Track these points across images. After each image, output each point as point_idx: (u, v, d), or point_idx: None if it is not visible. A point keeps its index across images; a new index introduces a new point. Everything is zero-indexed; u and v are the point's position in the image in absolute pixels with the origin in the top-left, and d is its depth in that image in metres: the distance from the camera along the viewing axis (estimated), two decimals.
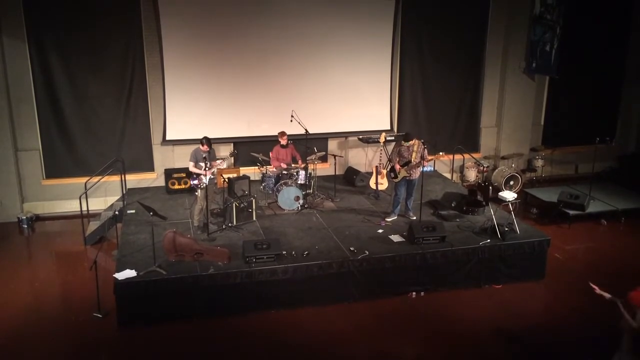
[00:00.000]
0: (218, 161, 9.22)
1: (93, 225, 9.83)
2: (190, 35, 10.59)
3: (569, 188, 11.16)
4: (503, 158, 12.55)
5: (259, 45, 10.92)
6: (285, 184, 9.68)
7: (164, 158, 11.06)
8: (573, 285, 8.37)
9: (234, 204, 8.93)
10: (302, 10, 10.99)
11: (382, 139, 11.08)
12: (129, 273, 7.27)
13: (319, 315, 7.56)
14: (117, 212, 9.88)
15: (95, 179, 9.98)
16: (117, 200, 10.47)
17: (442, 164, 12.36)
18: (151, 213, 7.83)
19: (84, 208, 9.60)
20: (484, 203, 9.59)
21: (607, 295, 5.74)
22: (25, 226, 10.42)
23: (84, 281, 8.16)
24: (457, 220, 9.27)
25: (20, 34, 9.94)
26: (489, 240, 8.37)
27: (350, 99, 11.62)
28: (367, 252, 7.96)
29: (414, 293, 8.10)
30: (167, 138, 10.93)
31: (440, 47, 11.98)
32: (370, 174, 10.81)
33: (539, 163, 12.75)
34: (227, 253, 7.73)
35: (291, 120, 9.90)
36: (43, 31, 10.05)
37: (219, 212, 9.47)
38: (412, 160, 9.05)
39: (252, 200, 9.23)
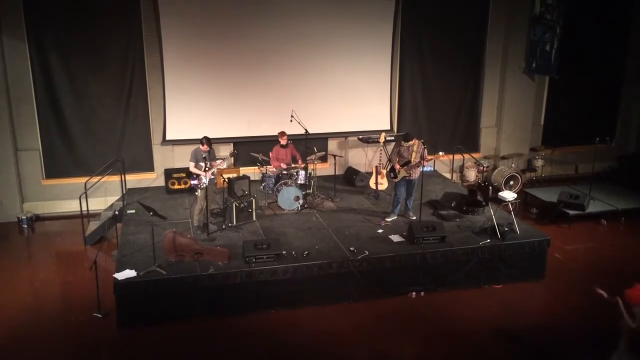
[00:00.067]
0: (218, 161, 9.21)
1: (93, 225, 9.83)
2: (190, 36, 10.59)
3: (569, 188, 11.15)
4: (503, 158, 12.56)
5: (259, 45, 10.92)
6: (285, 184, 9.68)
7: (164, 158, 11.06)
8: (573, 285, 8.38)
9: (233, 204, 8.93)
10: (302, 11, 10.99)
11: (382, 139, 11.08)
12: (129, 273, 7.27)
13: (319, 315, 7.56)
14: (117, 212, 9.88)
15: (95, 179, 9.98)
16: (117, 200, 10.47)
17: (442, 164, 12.36)
18: (151, 213, 7.83)
19: (84, 208, 9.60)
20: (483, 203, 9.59)
21: (613, 299, 5.69)
22: (25, 226, 10.42)
23: (84, 281, 8.16)
24: (457, 220, 9.28)
25: (20, 34, 9.94)
26: (488, 240, 8.37)
27: (350, 99, 11.63)
28: (367, 252, 7.96)
29: (413, 293, 8.10)
30: (167, 138, 10.93)
31: (440, 47, 11.98)
32: (370, 174, 10.81)
33: (539, 163, 12.75)
34: (227, 253, 7.73)
35: (291, 120, 9.90)
36: (43, 31, 10.05)
37: (218, 212, 9.47)
38: (412, 160, 9.05)
39: (252, 200, 9.23)
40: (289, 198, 9.63)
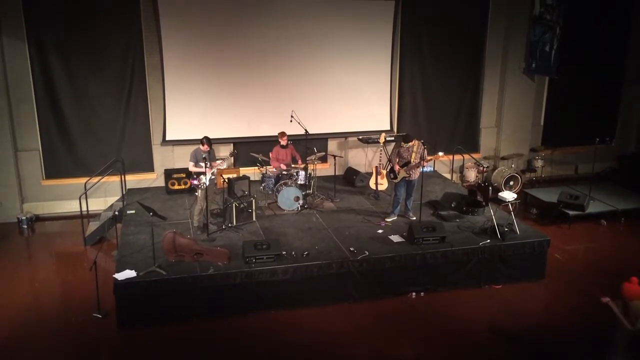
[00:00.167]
0: (218, 161, 9.21)
1: (93, 226, 9.83)
2: (190, 36, 10.59)
3: (568, 188, 11.16)
4: (503, 158, 12.56)
5: (259, 46, 10.92)
6: (285, 184, 9.68)
7: (164, 158, 11.06)
8: (573, 285, 8.39)
9: (233, 205, 8.93)
10: (302, 11, 10.99)
11: (381, 140, 11.08)
12: (129, 273, 7.27)
13: (318, 315, 7.56)
14: (117, 213, 9.87)
15: (95, 180, 9.97)
16: (117, 201, 10.47)
17: (442, 164, 12.36)
18: (151, 213, 7.83)
19: (84, 208, 9.59)
20: (483, 203, 9.59)
21: (612, 305, 5.68)
22: (25, 226, 10.41)
23: (83, 281, 8.15)
24: (457, 220, 9.28)
25: (20, 34, 9.94)
26: (488, 241, 8.37)
27: (350, 99, 11.63)
28: (367, 253, 7.95)
29: (413, 293, 8.10)
30: (167, 138, 10.93)
31: (440, 47, 11.98)
32: (370, 174, 10.81)
33: (538, 163, 12.75)
34: (227, 253, 7.73)
35: (291, 121, 9.90)
36: (43, 31, 10.04)
37: (218, 213, 9.46)
38: (412, 161, 9.05)
39: (252, 201, 9.23)
40: (289, 198, 9.63)
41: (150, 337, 7.02)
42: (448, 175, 12.34)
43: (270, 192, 10.10)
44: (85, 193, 9.59)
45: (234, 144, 11.22)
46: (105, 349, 6.90)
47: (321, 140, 11.59)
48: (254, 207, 9.26)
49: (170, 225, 8.91)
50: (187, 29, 10.55)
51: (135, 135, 10.92)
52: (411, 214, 9.42)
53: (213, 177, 8.92)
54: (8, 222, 10.44)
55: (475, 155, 12.30)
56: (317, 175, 10.76)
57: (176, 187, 10.67)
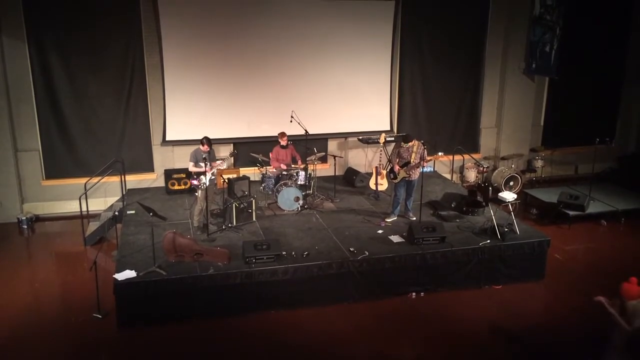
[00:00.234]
0: (218, 162, 9.20)
1: (93, 226, 9.83)
2: (190, 36, 10.60)
3: (568, 189, 11.16)
4: (503, 159, 12.56)
5: (259, 46, 10.92)
6: (285, 184, 9.68)
7: (164, 158, 11.06)
8: (573, 285, 8.38)
9: (233, 205, 8.93)
10: (302, 11, 10.99)
11: (381, 140, 11.07)
12: (129, 273, 7.27)
13: (318, 315, 7.56)
14: (117, 213, 9.87)
15: (95, 180, 9.97)
16: (117, 201, 10.47)
17: (442, 164, 12.36)
18: (151, 214, 7.83)
19: (84, 209, 9.59)
20: (483, 204, 9.59)
21: (606, 304, 5.69)
22: (25, 227, 10.41)
23: (83, 282, 8.15)
24: (457, 220, 9.28)
25: (20, 34, 9.94)
26: (488, 241, 8.37)
27: (350, 99, 11.63)
28: (367, 253, 7.95)
29: (413, 293, 8.10)
30: (167, 138, 10.93)
31: (440, 48, 11.98)
32: (370, 174, 10.81)
33: (538, 164, 12.75)
34: (227, 254, 7.73)
35: (291, 121, 9.90)
36: (43, 31, 10.04)
37: (218, 213, 9.46)
38: (412, 161, 9.05)
39: (252, 201, 9.23)
40: (288, 199, 9.63)
41: (150, 337, 7.02)
42: (448, 176, 12.34)
43: (270, 193, 10.10)
44: (85, 193, 9.59)
45: (234, 144, 11.22)
46: (105, 349, 6.90)
47: (321, 140, 11.59)
48: (254, 208, 9.26)
49: (170, 226, 8.91)
50: (187, 29, 10.55)
51: (135, 135, 10.92)
52: (411, 214, 9.42)
53: (213, 177, 8.92)
54: (8, 222, 10.44)
55: (475, 156, 12.30)
56: (317, 175, 10.76)
57: (176, 187, 10.68)
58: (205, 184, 8.65)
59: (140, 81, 10.67)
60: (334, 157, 11.07)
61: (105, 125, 10.73)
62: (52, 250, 9.77)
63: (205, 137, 8.91)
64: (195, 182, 8.80)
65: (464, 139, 12.52)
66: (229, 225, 8.91)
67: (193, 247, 7.71)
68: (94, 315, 7.38)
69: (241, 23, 10.73)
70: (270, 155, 10.13)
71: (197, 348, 6.86)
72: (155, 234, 7.75)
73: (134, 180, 10.94)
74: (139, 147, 11.00)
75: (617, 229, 10.57)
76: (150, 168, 11.16)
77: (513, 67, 12.37)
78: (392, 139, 11.49)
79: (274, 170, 10.07)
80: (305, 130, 10.07)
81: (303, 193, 9.75)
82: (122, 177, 10.48)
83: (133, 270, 7.33)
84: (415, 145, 9.11)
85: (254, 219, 9.25)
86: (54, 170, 10.73)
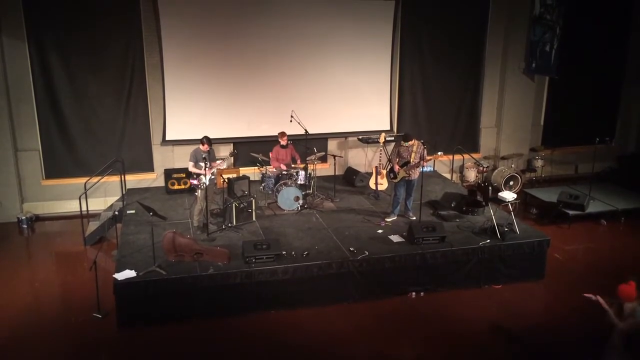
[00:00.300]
0: (218, 161, 9.21)
1: (93, 226, 9.83)
2: (190, 36, 10.60)
3: (568, 188, 11.16)
4: (503, 158, 12.56)
5: (259, 46, 10.92)
6: (285, 184, 9.68)
7: (164, 158, 11.06)
8: (573, 285, 8.37)
9: (233, 204, 8.93)
10: (302, 11, 10.99)
11: (381, 140, 11.08)
12: (129, 273, 7.27)
13: (318, 315, 7.56)
14: (116, 213, 9.87)
15: (95, 179, 9.97)
16: (117, 201, 10.47)
17: (442, 164, 12.37)
18: (151, 213, 7.83)
19: (84, 208, 9.59)
20: (483, 203, 9.58)
21: (602, 302, 5.71)
22: (25, 226, 10.41)
23: (83, 281, 8.15)
24: (457, 220, 9.28)
25: (20, 34, 9.94)
26: (488, 241, 8.37)
27: (350, 99, 11.63)
28: (367, 253, 7.95)
29: (413, 293, 8.10)
30: (167, 138, 10.93)
31: (440, 47, 11.98)
32: (370, 174, 10.81)
33: (538, 163, 12.75)
34: (226, 253, 7.73)
35: (291, 121, 9.90)
36: (43, 31, 10.04)
37: (218, 213, 9.46)
38: (411, 160, 9.05)
39: (251, 201, 9.23)
40: (288, 198, 9.63)
41: (150, 337, 7.02)
42: (448, 175, 12.35)
43: (270, 192, 10.10)
44: (85, 193, 9.60)
45: (234, 144, 11.22)
46: (105, 349, 6.90)
47: (321, 140, 11.59)
48: (253, 207, 9.26)
49: (170, 225, 8.91)
50: (187, 29, 10.55)
51: (135, 135, 10.92)
52: (411, 214, 9.42)
53: (213, 177, 8.92)
54: (8, 222, 10.44)
55: (475, 155, 12.31)
56: (317, 175, 10.76)
57: (176, 187, 10.68)
58: (205, 183, 8.65)
59: (140, 81, 10.67)
60: (334, 156, 11.07)
61: (105, 125, 10.73)
62: (52, 250, 9.77)
63: (205, 137, 8.91)
64: (195, 181, 8.81)
65: (464, 138, 12.52)
66: (229, 225, 8.91)
67: (193, 246, 7.71)
68: (94, 315, 7.38)
69: (241, 23, 10.73)
70: (270, 155, 10.13)
71: (197, 348, 6.86)
72: (155, 233, 7.75)
73: (134, 180, 10.94)
74: (138, 146, 11.00)
75: (617, 229, 10.57)
76: (150, 168, 11.16)
77: (513, 67, 12.37)
78: (392, 138, 11.49)
79: (274, 170, 10.07)
80: (305, 130, 10.07)
81: (303, 193, 9.75)
82: (122, 176, 10.48)
83: (133, 270, 7.33)
84: (415, 144, 9.11)
85: (253, 218, 9.25)
86: (54, 170, 10.73)
